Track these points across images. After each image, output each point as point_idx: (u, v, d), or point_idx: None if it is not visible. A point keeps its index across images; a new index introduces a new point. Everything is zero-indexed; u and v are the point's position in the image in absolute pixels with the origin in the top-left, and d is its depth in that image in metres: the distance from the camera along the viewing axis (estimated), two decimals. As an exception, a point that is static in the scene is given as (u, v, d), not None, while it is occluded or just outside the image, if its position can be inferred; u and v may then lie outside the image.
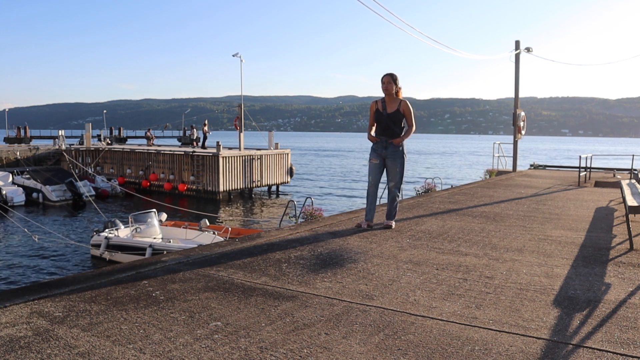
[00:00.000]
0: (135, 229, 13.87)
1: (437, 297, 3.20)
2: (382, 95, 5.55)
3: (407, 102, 5.38)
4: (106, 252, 13.44)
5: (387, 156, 5.45)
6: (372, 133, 5.57)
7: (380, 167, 5.54)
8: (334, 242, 4.82)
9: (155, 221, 14.19)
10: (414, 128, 5.48)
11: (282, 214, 10.30)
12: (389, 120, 5.38)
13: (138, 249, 12.80)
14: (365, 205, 5.73)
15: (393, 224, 5.63)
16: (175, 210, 19.12)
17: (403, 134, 5.46)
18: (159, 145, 35.92)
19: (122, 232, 13.87)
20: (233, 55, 29.70)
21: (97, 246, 13.76)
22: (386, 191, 5.79)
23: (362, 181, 38.17)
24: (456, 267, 3.99)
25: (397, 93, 5.43)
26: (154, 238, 13.61)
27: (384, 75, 5.41)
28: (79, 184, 24.23)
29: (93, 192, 24.09)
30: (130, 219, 14.19)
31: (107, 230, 14.00)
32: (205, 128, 31.60)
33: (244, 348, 2.38)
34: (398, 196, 5.63)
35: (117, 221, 14.49)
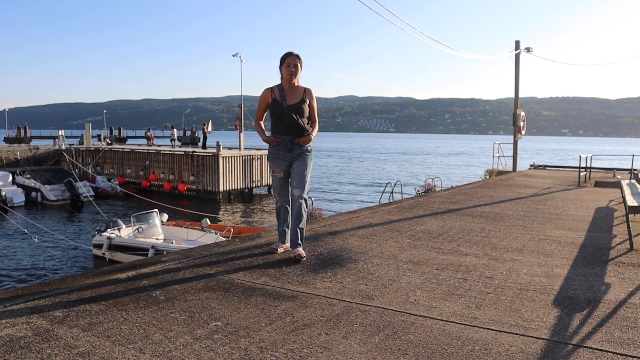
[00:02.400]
0: (137, 229, 13.87)
1: (437, 297, 3.20)
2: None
3: (312, 90, 4.25)
4: (108, 252, 13.44)
5: (294, 159, 4.22)
6: (267, 132, 4.32)
7: (287, 179, 4.27)
8: (334, 242, 4.82)
9: (157, 221, 14.19)
10: (317, 125, 4.33)
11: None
12: (292, 115, 4.12)
13: (140, 249, 12.79)
14: (277, 227, 4.49)
15: (302, 251, 4.15)
16: (176, 211, 19.13)
17: (310, 131, 4.24)
18: (159, 145, 35.95)
19: (124, 232, 13.88)
20: (233, 55, 29.78)
21: (99, 246, 13.77)
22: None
23: (361, 180, 38.17)
24: (456, 267, 3.99)
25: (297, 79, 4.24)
26: (156, 238, 13.61)
27: (290, 55, 4.16)
28: (79, 184, 24.25)
29: (92, 193, 24.11)
30: (132, 219, 14.21)
31: (109, 230, 14.01)
32: (205, 128, 31.65)
33: (244, 348, 2.38)
34: (305, 210, 4.25)
35: (119, 221, 14.50)
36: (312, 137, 4.24)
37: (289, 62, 4.13)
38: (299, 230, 4.23)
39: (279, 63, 4.20)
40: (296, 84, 4.20)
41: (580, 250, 4.70)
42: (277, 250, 4.33)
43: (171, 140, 37.26)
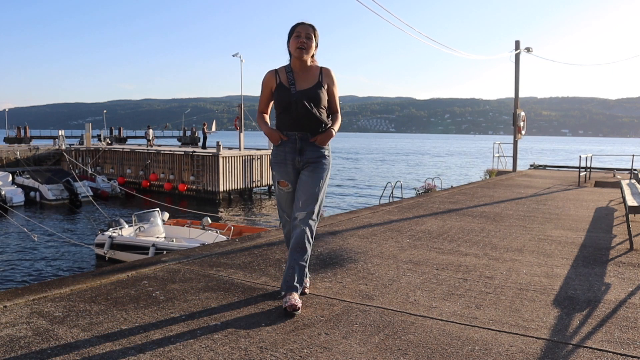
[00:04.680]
0: (139, 228, 13.95)
1: (437, 297, 3.20)
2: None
3: (332, 70, 3.14)
4: (110, 250, 13.53)
5: (305, 165, 3.06)
6: (268, 126, 3.21)
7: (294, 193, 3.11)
8: (334, 242, 4.82)
9: (158, 220, 14.29)
10: (340, 116, 3.20)
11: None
12: (303, 103, 2.99)
13: (141, 248, 12.87)
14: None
15: (297, 299, 2.87)
16: (176, 210, 19.13)
17: (330, 125, 3.11)
18: (159, 145, 35.92)
19: (126, 231, 13.96)
20: (233, 56, 29.80)
21: (101, 245, 13.86)
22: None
23: (361, 180, 38.19)
24: (456, 267, 3.99)
25: (312, 57, 3.13)
26: (157, 237, 13.69)
27: (301, 24, 3.04)
28: (78, 184, 24.26)
29: (91, 192, 24.12)
30: (133, 218, 14.29)
31: (111, 229, 14.10)
32: (205, 128, 31.65)
33: (244, 348, 2.38)
34: (310, 239, 2.98)
35: (121, 220, 14.59)
36: (334, 134, 3.10)
37: (299, 32, 3.01)
38: (296, 267, 2.92)
39: (286, 40, 3.11)
40: (309, 63, 3.09)
41: (580, 250, 4.70)
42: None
43: (147, 141, 36.31)
